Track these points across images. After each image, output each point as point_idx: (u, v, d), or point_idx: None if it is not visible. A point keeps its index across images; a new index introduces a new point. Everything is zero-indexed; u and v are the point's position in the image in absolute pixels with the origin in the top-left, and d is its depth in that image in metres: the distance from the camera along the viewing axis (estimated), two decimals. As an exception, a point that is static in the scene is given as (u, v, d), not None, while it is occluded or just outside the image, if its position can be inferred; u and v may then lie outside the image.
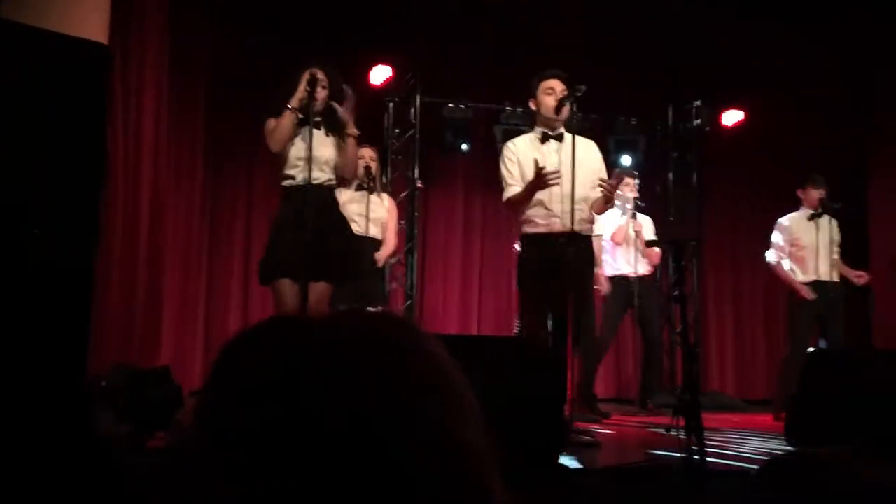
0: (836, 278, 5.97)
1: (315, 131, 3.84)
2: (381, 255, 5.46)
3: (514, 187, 4.24)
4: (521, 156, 4.25)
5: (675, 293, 5.89)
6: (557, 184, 4.01)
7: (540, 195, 4.13)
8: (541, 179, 4.00)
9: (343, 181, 4.32)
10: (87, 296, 2.58)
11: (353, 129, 3.94)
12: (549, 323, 4.20)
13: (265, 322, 0.69)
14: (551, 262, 4.10)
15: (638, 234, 6.17)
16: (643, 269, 6.23)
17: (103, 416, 3.66)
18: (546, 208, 4.16)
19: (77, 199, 2.52)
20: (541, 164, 4.10)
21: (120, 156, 4.92)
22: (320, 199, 3.84)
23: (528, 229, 4.21)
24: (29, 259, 2.42)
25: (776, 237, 6.11)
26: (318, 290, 3.82)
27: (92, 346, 2.91)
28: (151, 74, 5.33)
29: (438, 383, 0.67)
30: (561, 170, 4.13)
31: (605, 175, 4.34)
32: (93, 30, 3.97)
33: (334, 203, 4.03)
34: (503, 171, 4.31)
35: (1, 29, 2.56)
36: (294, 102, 3.80)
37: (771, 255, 6.09)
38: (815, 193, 6.00)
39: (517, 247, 4.78)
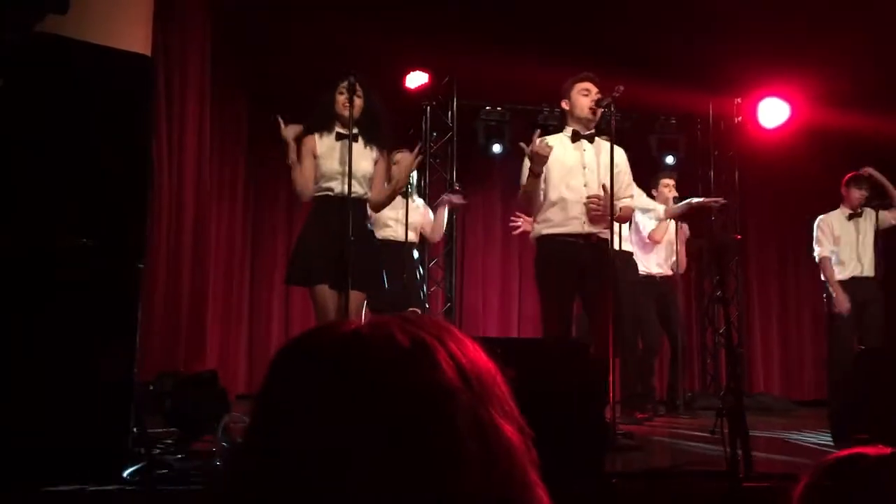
0: (872, 274, 5.88)
1: (353, 144, 3.85)
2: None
3: (525, 182, 4.20)
4: (562, 151, 4.21)
5: (718, 294, 5.86)
6: (546, 155, 3.98)
7: (560, 195, 4.10)
8: (532, 149, 3.95)
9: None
10: (134, 303, 2.64)
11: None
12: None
13: (308, 337, 0.71)
14: (569, 262, 4.07)
15: (680, 231, 6.12)
16: (670, 269, 6.19)
17: (151, 420, 3.74)
18: (564, 209, 4.13)
19: (124, 209, 2.57)
20: (563, 163, 4.11)
21: (164, 166, 5.01)
22: (355, 213, 3.86)
23: (545, 230, 4.18)
24: (79, 268, 2.48)
25: (818, 234, 6.03)
26: (355, 299, 3.88)
27: (139, 351, 2.98)
28: (194, 85, 5.42)
29: (474, 378, 0.68)
30: (586, 171, 4.13)
31: (628, 183, 4.31)
32: (136, 42, 4.05)
33: (366, 217, 4.05)
34: (524, 164, 4.23)
35: (47, 43, 2.63)
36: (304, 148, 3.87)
37: (817, 252, 6.01)
38: (857, 193, 5.91)
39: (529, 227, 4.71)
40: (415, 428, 0.63)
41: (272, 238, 7.05)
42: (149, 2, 4.42)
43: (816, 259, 6.04)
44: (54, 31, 2.75)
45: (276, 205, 7.03)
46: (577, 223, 4.07)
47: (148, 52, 4.32)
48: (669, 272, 6.20)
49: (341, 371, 0.65)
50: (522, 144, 4.11)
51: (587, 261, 4.06)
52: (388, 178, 4.13)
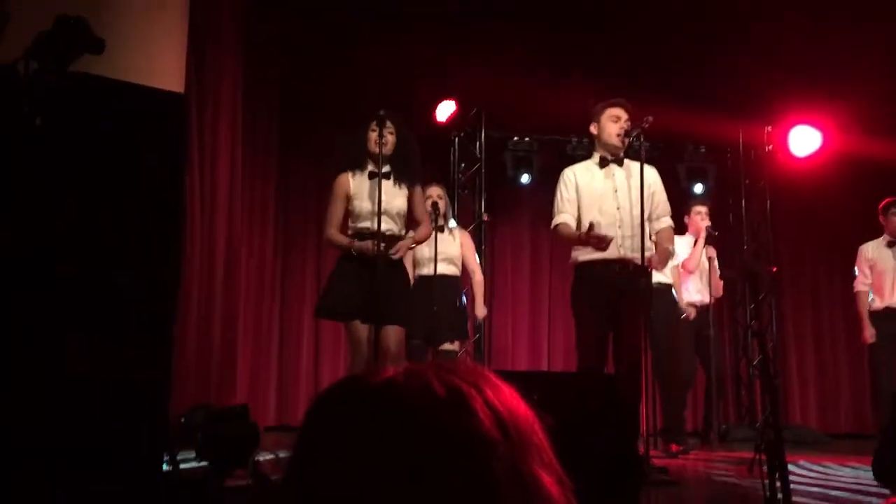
0: None
1: (384, 181, 3.87)
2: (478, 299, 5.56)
3: (564, 215, 4.16)
4: (579, 180, 4.20)
5: (753, 325, 5.76)
6: (603, 249, 3.94)
7: (595, 220, 4.07)
8: (590, 236, 3.91)
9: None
10: (168, 337, 2.66)
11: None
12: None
13: (341, 386, 0.71)
14: (604, 289, 4.02)
15: (711, 261, 6.05)
16: (706, 298, 6.09)
17: (182, 454, 3.75)
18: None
19: (158, 244, 2.60)
20: (593, 190, 4.10)
21: (196, 200, 5.07)
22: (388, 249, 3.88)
23: (582, 257, 4.13)
24: (115, 301, 2.50)
25: (858, 264, 5.92)
26: (397, 331, 3.88)
27: (172, 384, 2.99)
28: (226, 118, 5.50)
29: (512, 427, 0.67)
30: (617, 195, 4.10)
31: (664, 201, 4.28)
32: (170, 78, 4.13)
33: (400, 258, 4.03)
34: (556, 196, 4.22)
35: (83, 82, 2.68)
36: (355, 246, 3.86)
37: (856, 284, 5.89)
38: (894, 220, 5.81)
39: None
40: (453, 479, 0.62)
41: (302, 270, 7.09)
42: (182, 38, 4.51)
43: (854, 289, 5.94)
44: (89, 71, 2.80)
45: (307, 237, 7.08)
46: (612, 248, 4.01)
47: (181, 87, 4.40)
48: (704, 301, 6.11)
49: (377, 422, 0.65)
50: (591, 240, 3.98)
51: (623, 287, 4.00)
52: (422, 212, 4.15)
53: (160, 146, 2.64)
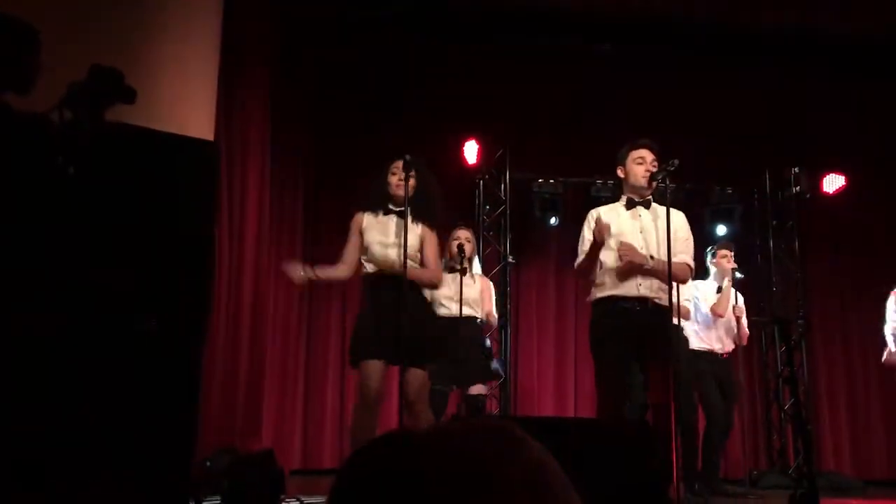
0: None
1: (397, 219, 3.92)
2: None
3: (583, 257, 4.14)
4: (604, 220, 4.17)
5: (783, 371, 5.63)
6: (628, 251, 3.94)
7: (616, 261, 4.04)
8: (599, 232, 3.93)
9: None
10: (195, 383, 2.67)
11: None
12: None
13: (379, 442, 0.71)
14: (623, 327, 3.95)
15: (735, 309, 5.93)
16: (730, 345, 5.96)
17: (208, 499, 3.74)
18: (621, 273, 4.05)
19: (188, 291, 2.63)
20: (618, 230, 4.07)
21: (225, 243, 5.12)
22: (407, 284, 3.86)
23: (599, 293, 4.08)
24: (143, 350, 2.52)
25: (890, 308, 5.80)
26: (418, 375, 3.85)
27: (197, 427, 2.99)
28: (255, 164, 5.58)
29: (547, 491, 0.67)
30: (643, 236, 4.08)
31: (684, 240, 4.22)
32: (200, 127, 4.20)
33: (417, 287, 4.00)
34: (581, 237, 4.20)
35: (115, 131, 2.74)
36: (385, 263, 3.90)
37: (887, 330, 5.75)
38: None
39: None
40: None
41: (328, 312, 7.10)
42: (212, 88, 4.61)
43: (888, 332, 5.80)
44: (121, 119, 2.86)
45: (332, 283, 7.09)
46: (632, 285, 3.98)
47: (211, 134, 4.47)
48: (731, 347, 5.99)
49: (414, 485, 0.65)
50: (595, 232, 4.05)
51: (644, 327, 3.95)
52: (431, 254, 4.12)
53: (191, 194, 2.67)
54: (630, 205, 4.18)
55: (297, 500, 4.13)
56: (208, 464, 4.27)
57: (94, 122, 2.69)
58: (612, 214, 4.18)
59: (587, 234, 4.17)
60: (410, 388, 3.83)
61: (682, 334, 5.64)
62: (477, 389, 5.28)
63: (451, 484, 0.64)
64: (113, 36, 3.91)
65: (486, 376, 5.42)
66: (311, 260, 6.95)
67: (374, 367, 3.78)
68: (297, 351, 6.86)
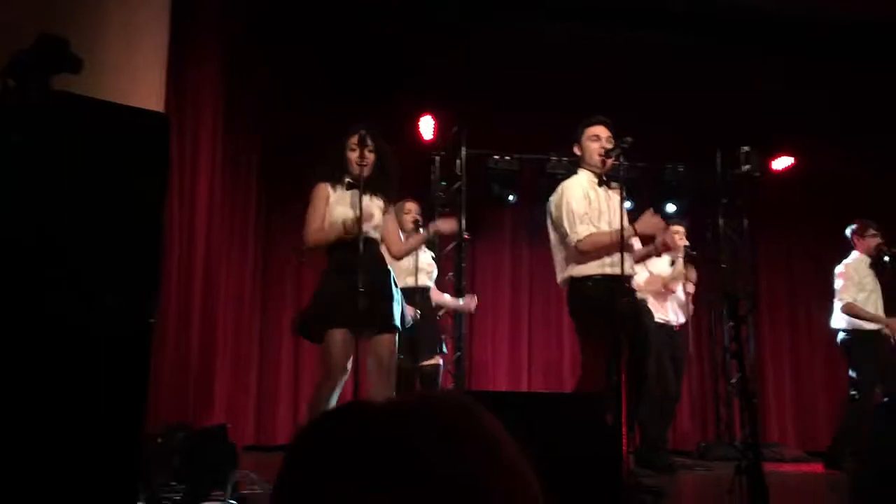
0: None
1: (363, 196, 3.83)
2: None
3: (588, 227, 4.05)
4: (589, 195, 4.14)
5: (731, 345, 5.77)
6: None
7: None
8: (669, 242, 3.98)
9: None
10: (146, 360, 2.62)
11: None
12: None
13: (337, 412, 0.71)
14: (608, 306, 3.95)
15: (686, 286, 6.05)
16: (682, 318, 6.11)
17: (159, 475, 3.70)
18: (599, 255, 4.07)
19: (137, 265, 2.58)
20: (599, 208, 4.09)
21: (175, 217, 5.03)
22: (370, 252, 3.83)
23: (583, 271, 4.07)
24: (90, 323, 2.47)
25: (846, 280, 5.86)
26: (386, 342, 3.81)
27: (148, 404, 2.95)
28: (206, 137, 5.48)
29: (504, 467, 0.67)
30: (611, 217, 4.10)
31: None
32: (150, 97, 4.10)
33: (381, 256, 4.00)
34: (573, 208, 4.07)
35: (62, 100, 2.66)
36: (349, 225, 3.78)
37: (847, 297, 5.78)
38: (873, 241, 5.86)
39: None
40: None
41: (282, 289, 7.04)
42: (162, 57, 4.49)
43: (846, 302, 5.80)
44: (67, 89, 2.78)
45: (287, 256, 7.03)
46: (605, 265, 4.01)
47: (161, 106, 4.37)
48: (683, 320, 6.14)
49: (379, 450, 0.65)
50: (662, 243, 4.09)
51: (625, 304, 3.96)
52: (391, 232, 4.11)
53: (140, 166, 2.61)
54: (600, 183, 4.19)
55: (252, 474, 4.12)
56: (160, 440, 4.22)
57: (39, 91, 2.61)
58: (591, 191, 4.16)
59: (580, 205, 4.09)
60: (385, 352, 3.79)
61: (647, 306, 5.75)
62: (431, 360, 5.31)
63: (410, 455, 0.64)
64: (57, 2, 3.79)
65: (439, 349, 5.45)
66: (265, 234, 6.94)
67: (340, 336, 3.72)
68: (250, 325, 6.81)
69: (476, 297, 6.29)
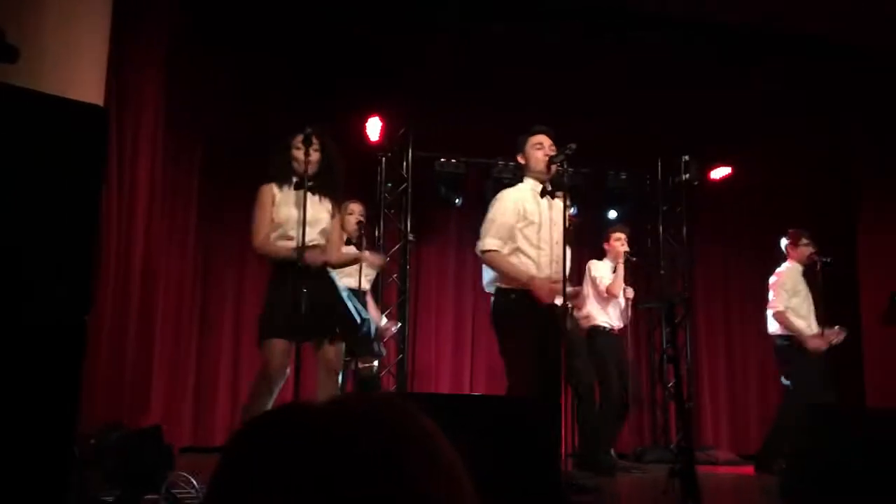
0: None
1: (309, 195, 3.82)
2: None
3: (499, 242, 4.09)
4: (527, 207, 4.16)
5: (668, 350, 5.84)
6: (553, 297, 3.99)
7: (531, 256, 4.09)
8: (542, 285, 3.96)
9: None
10: (79, 355, 2.56)
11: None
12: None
13: (276, 412, 0.70)
14: (540, 318, 4.01)
15: (626, 291, 6.16)
16: (624, 323, 6.25)
17: (92, 477, 3.61)
18: (538, 267, 4.10)
19: (71, 257, 2.51)
20: (538, 219, 4.12)
21: (113, 215, 4.92)
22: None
23: (511, 285, 4.08)
24: (22, 318, 2.40)
25: (779, 288, 6.01)
26: (334, 350, 3.85)
27: (82, 402, 2.88)
28: (147, 134, 5.36)
29: (436, 467, 0.67)
30: (552, 228, 4.14)
31: None
32: (90, 91, 4.00)
33: (325, 265, 3.98)
34: (496, 216, 4.14)
35: (-2, 91, 2.59)
36: (294, 253, 3.74)
37: (780, 304, 5.93)
38: (807, 250, 6.03)
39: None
40: None
41: (222, 288, 6.94)
42: (103, 48, 4.39)
43: (777, 310, 5.95)
44: (6, 81, 2.70)
45: (227, 256, 6.93)
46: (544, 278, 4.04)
47: (101, 100, 4.27)
48: (622, 325, 6.25)
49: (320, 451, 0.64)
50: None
51: (556, 316, 4.03)
52: (344, 230, 4.13)
53: (77, 160, 2.55)
54: (543, 192, 4.22)
55: (187, 476, 4.04)
56: (92, 441, 4.12)
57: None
58: (532, 202, 4.19)
59: (507, 217, 4.12)
60: (336, 358, 3.83)
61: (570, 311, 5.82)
62: (367, 362, 5.30)
63: (357, 457, 0.63)
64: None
65: (376, 351, 5.47)
66: (206, 234, 6.82)
67: (280, 346, 3.74)
68: (189, 324, 6.69)
69: (399, 325, 6.52)
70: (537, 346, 3.97)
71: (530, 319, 4.00)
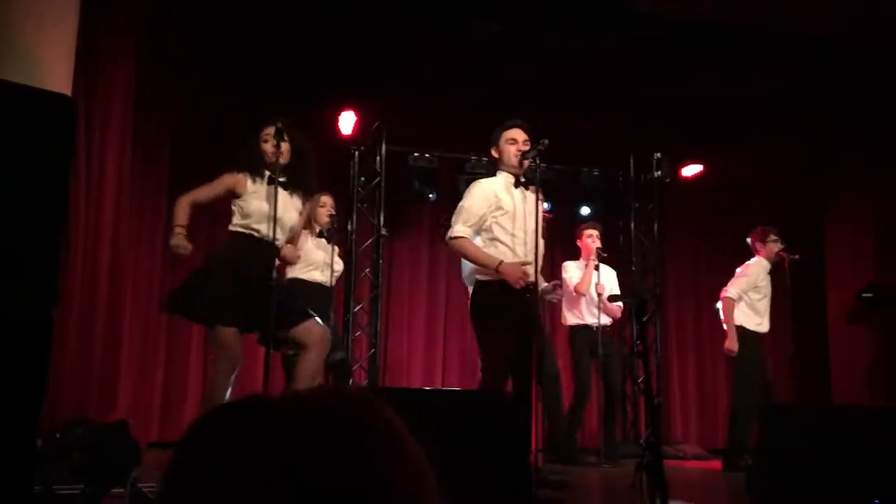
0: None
1: (280, 191, 3.79)
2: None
3: (468, 229, 4.09)
4: (502, 197, 4.14)
5: (637, 346, 5.89)
6: (521, 279, 3.98)
7: (507, 243, 4.09)
8: (512, 269, 3.95)
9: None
10: (45, 348, 2.53)
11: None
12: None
13: (237, 404, 0.68)
14: (514, 309, 4.01)
15: (598, 287, 6.18)
16: (605, 319, 6.25)
17: (58, 472, 3.57)
18: (514, 257, 4.08)
19: (37, 251, 2.48)
20: (513, 210, 4.12)
21: (81, 208, 4.86)
22: (269, 258, 3.78)
23: (490, 276, 4.06)
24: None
25: (740, 277, 6.02)
26: (317, 329, 3.85)
27: (48, 397, 2.84)
28: (116, 128, 5.30)
29: (403, 461, 0.67)
30: (525, 218, 4.13)
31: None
32: (57, 82, 3.95)
33: (274, 261, 3.90)
34: (469, 204, 4.11)
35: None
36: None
37: (732, 293, 5.95)
38: (775, 247, 6.07)
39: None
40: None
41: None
42: (71, 43, 4.33)
43: (726, 296, 5.94)
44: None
45: (196, 250, 6.84)
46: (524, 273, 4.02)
47: (68, 90, 4.21)
48: (605, 321, 6.23)
49: (278, 443, 0.62)
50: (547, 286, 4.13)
51: (532, 307, 4.01)
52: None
53: (43, 152, 2.51)
54: (517, 184, 4.22)
55: (154, 471, 4.01)
56: (58, 436, 4.08)
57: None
58: (506, 194, 4.19)
59: (476, 208, 4.11)
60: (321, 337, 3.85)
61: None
62: (338, 356, 5.30)
63: (324, 449, 0.62)
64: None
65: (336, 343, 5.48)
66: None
67: (234, 334, 3.69)
68: (158, 319, 6.61)
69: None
70: (515, 340, 3.97)
71: (509, 312, 4.00)
